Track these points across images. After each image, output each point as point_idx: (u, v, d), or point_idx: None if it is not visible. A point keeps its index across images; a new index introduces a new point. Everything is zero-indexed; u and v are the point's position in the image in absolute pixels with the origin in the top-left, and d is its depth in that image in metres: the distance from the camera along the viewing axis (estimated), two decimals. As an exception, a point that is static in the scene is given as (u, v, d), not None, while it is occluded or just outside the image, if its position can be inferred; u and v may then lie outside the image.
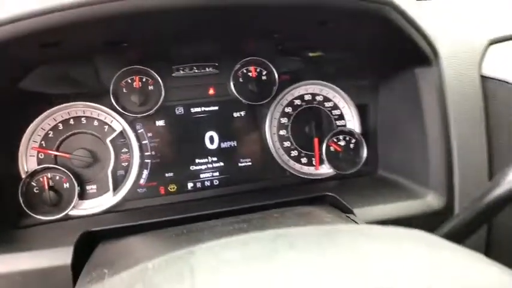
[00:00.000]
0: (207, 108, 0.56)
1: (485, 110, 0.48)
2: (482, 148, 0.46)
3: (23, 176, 0.49)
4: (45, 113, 0.50)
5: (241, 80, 0.57)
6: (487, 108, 0.48)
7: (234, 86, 0.56)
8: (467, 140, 0.47)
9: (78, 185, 0.50)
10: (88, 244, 0.40)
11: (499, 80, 0.47)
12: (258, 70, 0.57)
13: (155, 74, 0.53)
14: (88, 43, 0.44)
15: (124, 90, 0.53)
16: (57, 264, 0.41)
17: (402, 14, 0.44)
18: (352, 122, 0.60)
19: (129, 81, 0.53)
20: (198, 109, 0.56)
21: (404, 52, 0.48)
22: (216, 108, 0.57)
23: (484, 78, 0.48)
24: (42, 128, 0.51)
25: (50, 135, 0.51)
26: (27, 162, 0.50)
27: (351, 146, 0.59)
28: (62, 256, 0.42)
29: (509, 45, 0.50)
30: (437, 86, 0.48)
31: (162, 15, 0.37)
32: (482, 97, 0.48)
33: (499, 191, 0.32)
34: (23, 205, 0.49)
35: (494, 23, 0.52)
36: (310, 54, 0.56)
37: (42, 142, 0.51)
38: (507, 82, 0.46)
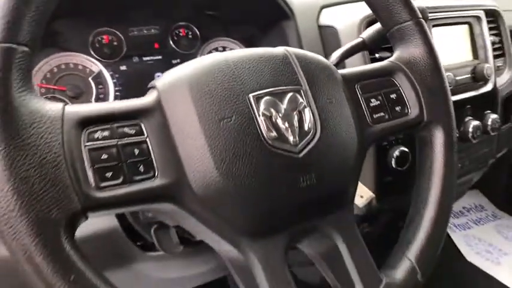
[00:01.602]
0: (154, 57, 0.83)
1: (322, 45, 0.83)
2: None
3: (32, 104, 0.70)
4: (44, 61, 0.72)
5: (175, 38, 0.84)
6: (323, 43, 0.84)
7: (172, 42, 0.84)
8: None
9: (73, 109, 0.73)
10: None
11: (327, 26, 0.83)
12: (186, 31, 0.86)
13: (119, 33, 0.78)
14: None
15: (97, 45, 0.77)
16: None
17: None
18: (250, 63, 0.92)
19: (100, 38, 0.77)
20: (148, 58, 0.82)
21: (273, 10, 0.81)
22: (160, 57, 0.83)
23: (320, 27, 0.84)
24: (42, 71, 0.72)
25: (48, 76, 0.72)
26: (34, 95, 0.71)
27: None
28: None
29: (333, 8, 0.87)
30: (296, 33, 0.83)
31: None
32: (320, 37, 0.84)
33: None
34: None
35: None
36: (208, 13, 0.86)
37: (43, 80, 0.72)
38: (330, 27, 0.82)
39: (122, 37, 0.79)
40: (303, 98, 0.42)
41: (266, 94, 0.40)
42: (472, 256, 1.52)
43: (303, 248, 0.46)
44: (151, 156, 0.36)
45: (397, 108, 0.50)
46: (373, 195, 0.73)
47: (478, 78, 0.92)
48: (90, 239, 0.59)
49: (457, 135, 0.90)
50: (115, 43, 0.78)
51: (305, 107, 0.42)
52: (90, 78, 0.76)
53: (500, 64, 1.02)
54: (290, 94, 0.41)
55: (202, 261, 0.72)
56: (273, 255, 0.39)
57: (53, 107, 0.33)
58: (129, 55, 0.80)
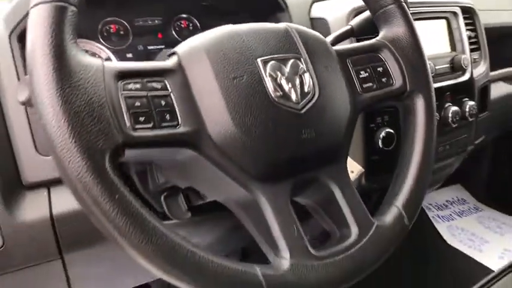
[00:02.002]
0: (157, 46, 0.89)
1: (314, 35, 0.90)
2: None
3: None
4: (56, 46, 0.77)
5: (177, 28, 0.91)
6: (315, 34, 0.91)
7: (174, 32, 0.90)
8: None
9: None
10: None
11: (318, 18, 0.90)
12: (187, 22, 0.92)
13: (125, 23, 0.84)
14: None
15: (105, 34, 0.82)
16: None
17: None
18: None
19: (108, 27, 0.83)
20: (152, 47, 0.88)
21: (269, 3, 0.88)
22: (163, 46, 0.89)
23: (311, 19, 0.92)
24: (54, 56, 0.77)
25: (60, 61, 0.78)
26: (47, 78, 0.76)
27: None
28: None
29: (323, 3, 0.95)
30: (289, 24, 0.89)
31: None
32: (312, 28, 0.91)
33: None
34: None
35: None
36: (203, 3, 0.92)
37: (56, 65, 0.77)
38: (321, 18, 0.89)
39: (128, 27, 0.84)
40: (303, 64, 0.48)
41: (272, 59, 0.46)
42: (455, 244, 1.59)
43: (303, 200, 0.52)
44: (174, 108, 0.42)
45: (383, 80, 0.57)
46: (363, 170, 0.79)
47: (456, 68, 1.00)
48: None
49: (438, 119, 0.98)
50: (122, 32, 0.84)
51: (305, 72, 0.48)
52: (99, 64, 0.81)
53: (476, 57, 1.11)
54: (292, 60, 0.48)
55: (206, 232, 0.77)
56: (280, 198, 0.45)
57: (94, 61, 0.39)
58: (135, 44, 0.85)
